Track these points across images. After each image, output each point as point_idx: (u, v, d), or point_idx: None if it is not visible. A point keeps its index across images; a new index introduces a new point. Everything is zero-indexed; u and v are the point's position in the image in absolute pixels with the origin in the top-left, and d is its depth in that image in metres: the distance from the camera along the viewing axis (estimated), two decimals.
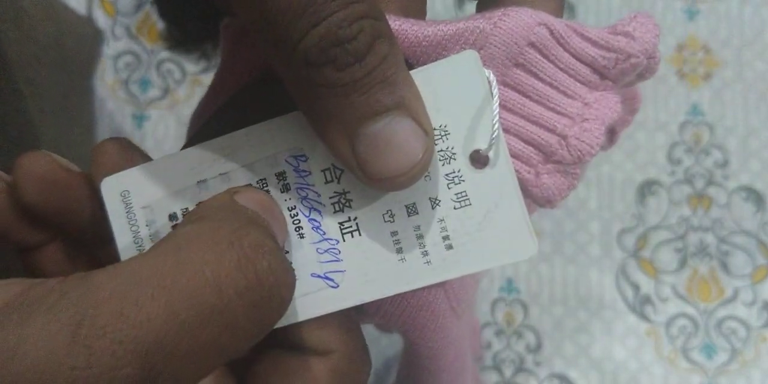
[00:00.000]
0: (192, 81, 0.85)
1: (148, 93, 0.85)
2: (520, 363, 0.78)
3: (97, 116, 0.83)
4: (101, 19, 0.86)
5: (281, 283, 0.20)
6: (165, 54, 0.86)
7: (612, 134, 0.27)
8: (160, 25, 0.86)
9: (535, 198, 0.26)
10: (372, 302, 0.25)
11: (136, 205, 0.26)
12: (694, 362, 0.77)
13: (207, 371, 0.19)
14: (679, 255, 0.80)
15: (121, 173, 0.26)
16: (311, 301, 0.24)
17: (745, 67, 0.83)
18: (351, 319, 0.25)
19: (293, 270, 0.21)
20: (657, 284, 0.79)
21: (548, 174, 0.25)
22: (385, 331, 0.42)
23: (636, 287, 0.79)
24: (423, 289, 0.28)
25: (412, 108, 0.22)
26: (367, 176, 0.22)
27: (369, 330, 0.30)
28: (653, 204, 0.81)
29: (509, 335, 0.78)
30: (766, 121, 0.82)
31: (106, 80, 0.85)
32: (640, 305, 0.78)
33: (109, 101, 0.85)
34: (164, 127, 0.84)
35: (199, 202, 0.25)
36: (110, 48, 0.86)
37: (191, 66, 0.86)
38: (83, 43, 0.75)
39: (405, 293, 0.27)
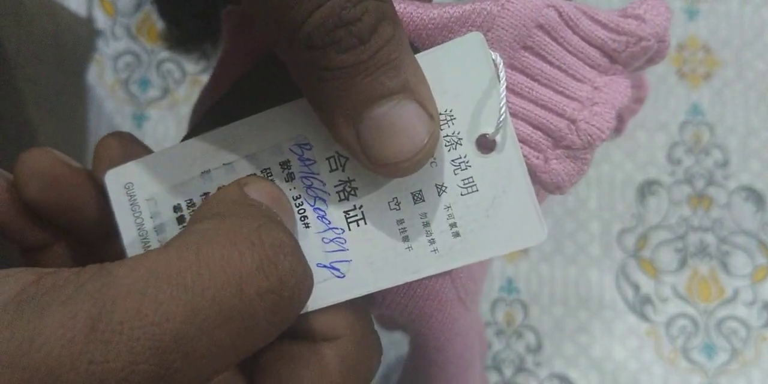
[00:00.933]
0: (192, 81, 0.85)
1: (148, 93, 0.85)
2: (520, 363, 0.77)
3: (97, 116, 0.83)
4: (101, 19, 0.86)
5: (302, 286, 0.20)
6: (165, 54, 0.86)
7: (620, 122, 0.27)
8: (160, 25, 0.86)
9: (544, 184, 0.25)
10: (378, 292, 0.24)
11: (140, 198, 0.26)
12: (694, 362, 0.76)
13: (223, 369, 0.19)
14: (679, 255, 0.79)
15: (125, 165, 0.26)
16: (318, 292, 0.24)
17: (745, 67, 0.83)
18: (359, 305, 0.25)
19: (311, 270, 0.21)
20: (657, 284, 0.79)
21: (557, 159, 0.25)
22: (387, 329, 0.42)
23: (636, 287, 0.78)
24: (430, 278, 0.28)
25: (417, 91, 0.21)
26: (372, 162, 0.22)
27: None
28: (653, 204, 0.81)
29: (509, 335, 0.78)
30: (766, 121, 0.82)
31: (105, 80, 0.85)
32: (640, 305, 0.78)
33: (109, 101, 0.84)
34: (164, 127, 0.84)
35: (206, 194, 0.25)
36: (110, 48, 0.85)
37: (191, 66, 0.85)
38: (79, 41, 0.75)
39: (412, 283, 0.26)
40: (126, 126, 0.83)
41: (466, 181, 0.24)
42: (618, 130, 0.28)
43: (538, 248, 0.79)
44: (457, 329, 0.31)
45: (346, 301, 0.24)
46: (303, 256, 0.21)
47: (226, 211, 0.21)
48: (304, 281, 0.20)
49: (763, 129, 0.82)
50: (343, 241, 0.24)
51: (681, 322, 0.78)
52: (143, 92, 0.85)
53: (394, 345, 0.72)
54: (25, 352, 0.16)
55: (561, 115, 0.25)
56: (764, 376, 0.76)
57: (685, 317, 0.78)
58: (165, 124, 0.84)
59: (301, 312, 0.24)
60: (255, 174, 0.25)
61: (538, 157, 0.25)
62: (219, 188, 0.25)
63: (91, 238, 0.27)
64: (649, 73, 0.84)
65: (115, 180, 0.26)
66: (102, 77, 0.85)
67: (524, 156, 0.25)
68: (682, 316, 0.78)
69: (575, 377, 0.77)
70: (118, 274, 0.18)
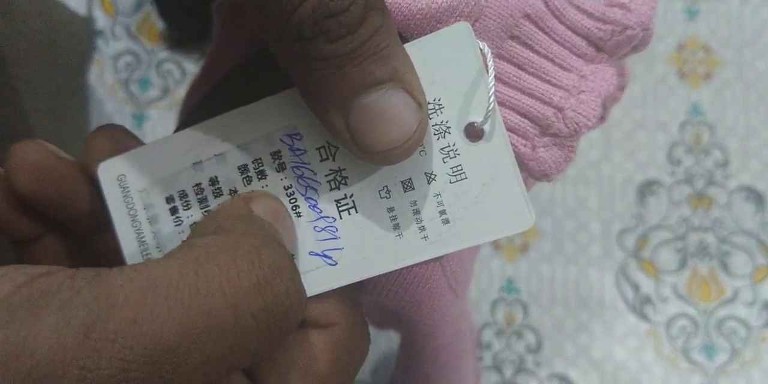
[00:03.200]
0: (192, 81, 0.85)
1: (148, 93, 0.85)
2: (520, 363, 0.78)
3: (97, 116, 0.83)
4: (101, 19, 0.86)
5: (296, 308, 0.20)
6: (165, 54, 0.86)
7: (603, 110, 0.27)
8: (160, 25, 0.86)
9: (531, 172, 0.26)
10: (369, 279, 0.25)
11: (133, 189, 0.26)
12: (694, 362, 0.76)
13: (214, 381, 0.19)
14: (679, 255, 0.79)
15: (117, 157, 0.26)
16: (310, 279, 0.24)
17: (745, 67, 0.83)
18: (351, 292, 0.25)
19: (306, 293, 0.21)
20: (657, 284, 0.79)
21: (545, 147, 0.25)
22: (379, 328, 0.42)
23: (636, 287, 0.79)
24: (420, 265, 0.28)
25: (405, 80, 0.22)
26: (361, 150, 0.22)
27: None
28: (653, 204, 0.81)
29: (509, 335, 0.78)
30: (766, 121, 0.82)
31: (106, 80, 0.85)
32: (640, 305, 0.78)
33: (109, 101, 0.85)
34: (164, 127, 0.84)
35: (198, 185, 0.25)
36: (110, 48, 0.86)
37: (191, 66, 0.86)
38: (75, 40, 0.75)
39: (402, 270, 0.27)
40: (126, 126, 0.83)
41: (455, 169, 0.24)
42: (601, 118, 0.28)
43: (538, 248, 0.79)
44: (448, 316, 0.31)
45: (338, 289, 0.25)
46: (299, 278, 0.21)
47: (229, 227, 0.21)
48: (298, 303, 0.20)
49: (763, 129, 0.82)
50: (335, 230, 0.25)
51: (681, 322, 0.78)
52: (143, 92, 0.85)
53: (388, 336, 0.72)
54: (17, 356, 0.16)
55: (548, 104, 0.25)
56: (764, 376, 0.76)
57: (685, 317, 0.78)
58: (165, 124, 0.84)
59: None
60: (246, 165, 0.25)
61: (525, 145, 0.25)
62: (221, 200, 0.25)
63: (84, 230, 0.27)
64: (649, 73, 0.84)
65: (107, 172, 0.26)
66: (102, 77, 0.85)
67: (512, 144, 0.25)
68: (682, 316, 0.78)
69: (575, 377, 0.77)
70: (116, 283, 0.18)
